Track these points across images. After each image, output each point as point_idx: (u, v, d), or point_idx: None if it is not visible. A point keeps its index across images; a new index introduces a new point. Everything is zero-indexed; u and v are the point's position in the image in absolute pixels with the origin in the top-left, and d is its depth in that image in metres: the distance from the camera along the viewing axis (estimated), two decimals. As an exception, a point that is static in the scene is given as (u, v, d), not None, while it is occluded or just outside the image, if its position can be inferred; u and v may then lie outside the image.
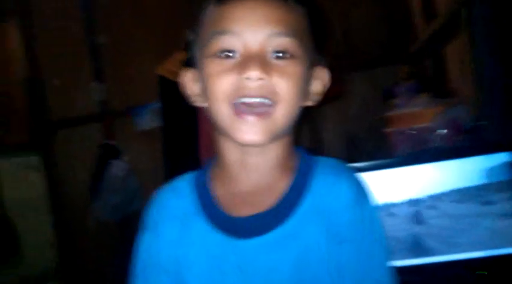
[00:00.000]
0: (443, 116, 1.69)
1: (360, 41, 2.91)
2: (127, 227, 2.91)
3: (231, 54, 0.84)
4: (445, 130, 1.66)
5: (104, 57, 3.21)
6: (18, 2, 3.26)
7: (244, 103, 0.83)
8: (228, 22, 0.85)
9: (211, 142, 0.95)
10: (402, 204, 1.31)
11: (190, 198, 0.94)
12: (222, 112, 0.85)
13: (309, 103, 0.93)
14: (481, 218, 1.28)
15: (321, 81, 0.94)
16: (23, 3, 3.25)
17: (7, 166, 3.27)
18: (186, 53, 2.23)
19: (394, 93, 2.18)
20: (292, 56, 0.85)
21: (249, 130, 0.83)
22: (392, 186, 1.32)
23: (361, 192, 0.88)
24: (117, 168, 2.96)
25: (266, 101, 0.83)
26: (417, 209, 1.31)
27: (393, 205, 1.31)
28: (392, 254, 1.28)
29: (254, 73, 0.81)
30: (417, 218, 1.30)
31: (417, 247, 1.30)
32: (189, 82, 0.94)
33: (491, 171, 1.29)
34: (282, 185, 0.89)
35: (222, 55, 0.85)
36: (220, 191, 0.92)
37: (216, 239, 0.88)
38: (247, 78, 0.82)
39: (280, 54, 0.84)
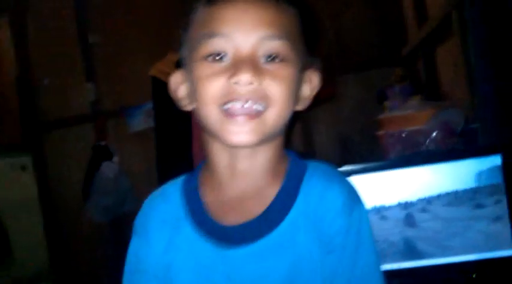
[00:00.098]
0: (436, 119, 1.69)
1: (352, 42, 2.92)
2: (119, 228, 2.91)
3: (221, 57, 0.82)
4: (437, 133, 1.66)
5: (97, 57, 3.21)
6: (10, 2, 3.24)
7: (234, 108, 0.81)
8: (218, 24, 0.83)
9: (202, 145, 0.94)
10: (394, 207, 1.31)
11: (180, 203, 0.92)
12: (211, 115, 0.83)
13: (300, 106, 0.91)
14: (473, 222, 1.28)
15: (311, 84, 0.92)
16: (14, 3, 3.24)
17: (-1, 166, 3.26)
18: (179, 53, 2.22)
19: (386, 95, 2.18)
20: (284, 60, 0.83)
21: (239, 131, 0.81)
22: (384, 188, 1.32)
23: (352, 198, 0.86)
24: (109, 169, 2.95)
25: (257, 106, 0.81)
26: (409, 212, 1.31)
27: (385, 208, 1.31)
28: (384, 258, 1.30)
29: (245, 78, 0.79)
30: (409, 222, 1.31)
31: (409, 250, 1.30)
32: (178, 85, 0.92)
33: (483, 174, 1.29)
34: (272, 191, 0.87)
35: (212, 58, 0.83)
36: (209, 197, 0.91)
37: (204, 247, 0.87)
38: (238, 83, 0.80)
39: (272, 58, 0.82)
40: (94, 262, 3.06)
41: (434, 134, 1.67)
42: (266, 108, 0.82)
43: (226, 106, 0.82)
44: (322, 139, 3.01)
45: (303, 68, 0.89)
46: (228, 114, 0.81)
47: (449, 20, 1.88)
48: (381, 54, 2.90)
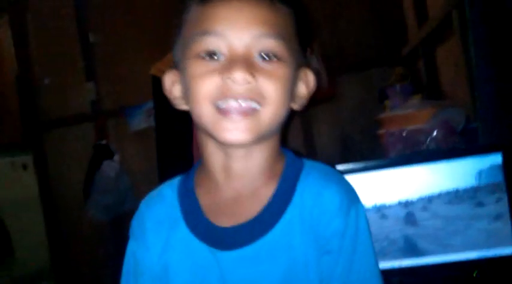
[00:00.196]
0: (436, 118, 1.69)
1: (352, 42, 2.91)
2: (119, 227, 2.91)
3: (215, 56, 0.82)
4: (438, 132, 1.66)
5: (97, 56, 3.20)
6: (10, 1, 3.24)
7: (229, 106, 0.80)
8: (212, 22, 0.82)
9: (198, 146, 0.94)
10: (395, 205, 1.31)
11: (176, 204, 0.92)
12: (205, 113, 0.82)
13: (296, 106, 0.91)
14: (474, 220, 1.28)
15: (307, 83, 0.92)
16: (15, 2, 3.24)
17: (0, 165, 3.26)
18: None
19: (387, 94, 2.18)
20: (278, 58, 0.82)
21: (234, 129, 0.80)
22: (385, 187, 1.32)
23: (349, 198, 0.85)
24: (110, 168, 2.95)
25: (252, 104, 0.80)
26: (410, 210, 1.30)
27: (386, 206, 1.31)
28: (385, 256, 1.30)
29: (240, 76, 0.78)
30: (410, 220, 1.30)
31: (410, 249, 1.30)
32: (172, 84, 0.91)
33: (483, 172, 1.29)
34: (267, 192, 0.87)
35: (206, 56, 0.82)
36: (205, 198, 0.90)
37: (199, 249, 0.86)
38: (232, 81, 0.79)
39: (267, 57, 0.82)
40: (95, 261, 3.06)
41: (435, 133, 1.66)
42: (261, 106, 0.81)
43: (220, 105, 0.81)
44: (323, 139, 3.01)
45: (298, 67, 0.88)
46: (223, 112, 0.81)
47: (450, 19, 1.87)
48: (381, 53, 2.90)
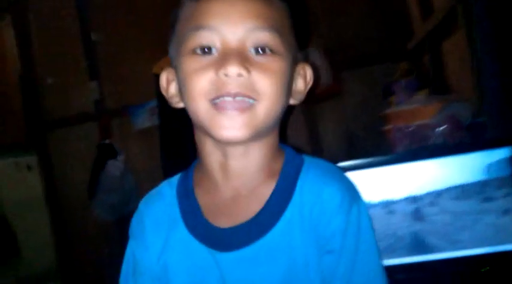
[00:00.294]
0: (443, 113, 1.68)
1: (354, 36, 2.90)
2: (124, 227, 2.90)
3: (208, 51, 0.81)
4: (445, 127, 1.65)
5: (100, 56, 3.20)
6: (13, 1, 3.24)
7: (224, 102, 0.79)
8: (205, 17, 0.81)
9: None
10: (402, 201, 1.30)
11: (175, 204, 0.91)
12: (201, 110, 0.81)
13: (293, 101, 0.89)
14: (482, 215, 1.27)
15: (304, 78, 0.90)
16: (18, 2, 3.23)
17: (4, 166, 3.25)
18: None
19: (392, 90, 2.17)
20: (273, 52, 0.81)
21: (230, 126, 0.79)
22: (392, 183, 1.31)
23: (350, 195, 0.83)
24: (115, 167, 2.94)
25: (247, 99, 0.79)
26: (417, 206, 1.29)
27: (393, 202, 1.30)
28: (393, 252, 1.29)
29: (233, 69, 0.77)
30: (418, 216, 1.29)
31: (418, 245, 1.29)
32: (168, 82, 0.90)
33: (491, 167, 1.28)
34: (266, 190, 0.85)
35: (200, 51, 0.81)
36: (203, 199, 0.89)
37: (199, 250, 0.85)
38: (226, 75, 0.78)
39: (261, 50, 0.80)
40: (100, 261, 3.06)
41: (441, 128, 1.65)
42: (257, 101, 0.80)
43: (216, 101, 0.79)
44: (328, 136, 3.00)
45: (294, 61, 0.87)
46: (218, 108, 0.79)
47: (455, 12, 1.86)
48: (384, 48, 2.88)
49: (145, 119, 3.01)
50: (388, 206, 1.30)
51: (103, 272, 2.96)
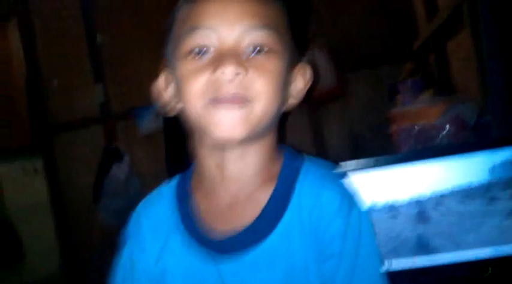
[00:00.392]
0: (448, 113, 1.67)
1: (359, 36, 2.88)
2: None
3: (205, 52, 0.80)
4: (450, 127, 1.63)
5: (104, 57, 3.21)
6: (18, 3, 3.25)
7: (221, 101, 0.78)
8: (201, 18, 0.81)
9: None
10: (406, 203, 1.28)
11: (173, 209, 0.90)
12: (197, 110, 0.80)
13: (292, 101, 0.89)
14: (488, 217, 1.25)
15: (304, 78, 0.90)
16: (23, 5, 3.25)
17: (9, 170, 3.26)
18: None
19: (398, 90, 2.16)
20: (270, 51, 0.80)
21: (228, 122, 0.78)
22: (396, 185, 1.29)
23: (350, 200, 0.83)
24: (119, 171, 2.94)
25: (243, 99, 0.78)
26: (422, 208, 1.28)
27: (397, 204, 1.29)
28: (397, 255, 1.27)
29: (229, 69, 0.76)
30: (422, 218, 1.28)
31: (422, 247, 1.28)
32: (163, 88, 0.90)
33: (496, 168, 1.26)
34: (264, 195, 0.84)
35: (196, 53, 0.80)
36: (201, 204, 0.88)
37: (196, 257, 0.84)
38: (222, 75, 0.77)
39: (257, 49, 0.80)
40: (105, 266, 3.06)
41: (447, 128, 1.64)
42: (253, 101, 0.79)
43: (212, 100, 0.79)
44: (333, 138, 2.99)
45: (292, 61, 0.86)
46: (215, 103, 0.79)
47: (460, 11, 1.85)
48: (389, 48, 2.86)
49: (151, 122, 3.00)
50: (392, 208, 1.29)
51: (108, 278, 2.96)
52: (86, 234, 3.14)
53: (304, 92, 0.90)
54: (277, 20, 0.84)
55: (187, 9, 0.84)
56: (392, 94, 2.26)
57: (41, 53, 3.23)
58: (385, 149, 1.99)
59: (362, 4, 2.91)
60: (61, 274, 3.18)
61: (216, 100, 0.78)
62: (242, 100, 0.78)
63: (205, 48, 0.80)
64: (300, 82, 0.89)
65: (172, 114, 0.90)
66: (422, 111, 1.80)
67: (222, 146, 0.83)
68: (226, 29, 0.79)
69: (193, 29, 0.81)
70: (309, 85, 0.91)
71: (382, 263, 0.84)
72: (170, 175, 2.68)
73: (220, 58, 0.78)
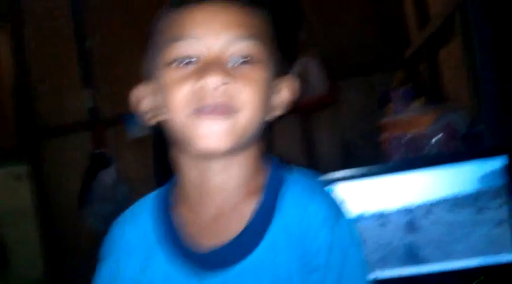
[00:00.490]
0: (439, 122, 1.67)
1: (351, 45, 2.89)
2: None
3: (189, 61, 0.78)
4: (441, 136, 1.63)
5: (94, 63, 3.20)
6: (7, 7, 3.24)
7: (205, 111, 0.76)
8: (185, 27, 0.79)
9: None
10: (396, 211, 1.28)
11: (152, 226, 0.86)
12: (181, 121, 0.78)
13: (277, 113, 0.87)
14: (476, 226, 1.25)
15: (288, 90, 0.88)
16: (12, 8, 3.23)
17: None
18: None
19: (389, 98, 2.16)
20: (255, 61, 0.79)
21: (212, 133, 0.76)
22: (386, 193, 1.29)
23: (336, 210, 0.81)
24: (108, 176, 2.93)
25: (228, 109, 0.76)
26: (411, 217, 1.27)
27: (387, 213, 1.28)
28: (387, 264, 1.26)
29: (214, 80, 0.75)
30: (411, 227, 1.27)
31: (412, 256, 1.27)
32: (141, 98, 0.87)
33: (485, 177, 1.26)
34: (249, 208, 0.81)
35: (180, 62, 0.78)
36: (183, 219, 0.85)
37: (180, 274, 0.81)
38: (207, 86, 0.75)
39: (242, 59, 0.78)
40: (92, 273, 3.03)
41: (437, 137, 1.64)
42: (238, 111, 0.77)
43: (196, 111, 0.77)
44: (324, 145, 2.99)
45: (277, 72, 0.85)
46: (199, 113, 0.76)
47: (452, 21, 1.85)
48: (381, 57, 2.88)
49: (140, 127, 2.99)
50: (381, 217, 1.28)
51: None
52: (72, 241, 3.12)
53: (289, 104, 0.89)
54: (263, 30, 0.83)
55: (171, 18, 0.82)
56: (383, 103, 2.25)
57: (30, 57, 3.22)
58: (376, 157, 1.99)
59: (354, 13, 2.92)
60: (46, 281, 3.15)
61: (200, 111, 0.76)
62: (227, 110, 0.76)
63: (190, 58, 0.78)
64: (285, 94, 0.87)
65: (151, 124, 0.87)
66: (413, 119, 1.80)
67: (206, 157, 0.81)
68: (211, 39, 0.78)
69: (177, 38, 0.79)
70: (294, 97, 0.89)
71: (369, 273, 0.82)
72: (158, 180, 2.68)
73: (205, 67, 0.76)
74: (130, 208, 0.93)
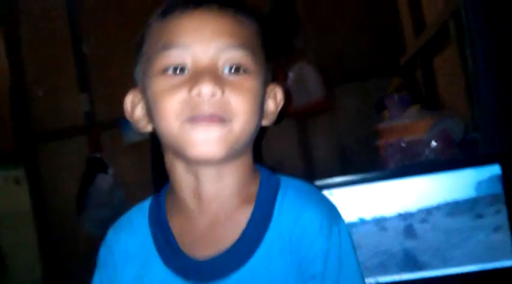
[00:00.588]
0: (435, 128, 1.68)
1: (348, 51, 2.90)
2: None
3: (179, 70, 0.77)
4: (437, 143, 1.64)
5: (91, 67, 3.19)
6: (2, 10, 3.23)
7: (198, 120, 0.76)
8: (175, 35, 0.78)
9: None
10: (394, 217, 1.29)
11: (147, 234, 0.86)
12: (172, 130, 0.77)
13: (266, 122, 0.87)
14: (473, 232, 1.26)
15: (276, 98, 0.88)
16: (8, 11, 3.22)
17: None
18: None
19: (385, 104, 2.17)
20: (246, 71, 0.79)
21: (205, 140, 0.75)
22: (384, 199, 1.30)
23: (330, 218, 0.80)
24: (104, 181, 2.92)
25: (221, 118, 0.76)
26: (409, 223, 1.28)
27: (385, 219, 1.29)
28: (384, 270, 1.28)
29: (206, 89, 0.74)
30: (409, 233, 1.28)
31: (410, 262, 1.28)
32: (133, 105, 0.86)
33: (482, 183, 1.27)
34: (243, 216, 0.81)
35: (170, 71, 0.78)
36: (177, 227, 0.84)
37: (176, 282, 0.80)
38: (199, 95, 0.74)
39: (234, 69, 0.78)
40: (89, 278, 3.02)
41: (433, 144, 1.65)
42: (230, 120, 0.77)
43: (189, 120, 0.76)
44: (320, 150, 2.99)
45: (265, 81, 0.85)
46: (192, 121, 0.76)
47: (447, 28, 1.87)
48: (377, 63, 2.89)
49: (136, 132, 2.98)
50: (380, 222, 1.29)
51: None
52: (70, 245, 3.10)
53: (276, 113, 0.89)
54: (252, 39, 0.83)
55: (160, 25, 0.82)
56: (379, 109, 2.27)
57: (26, 61, 3.21)
58: (373, 162, 2.00)
59: (350, 20, 2.93)
60: (44, 284, 3.14)
61: (193, 119, 0.76)
62: (220, 119, 0.76)
63: (180, 67, 0.78)
64: (272, 104, 0.88)
65: (144, 131, 0.87)
66: (409, 125, 1.81)
67: (200, 165, 0.80)
68: (201, 48, 0.77)
69: (167, 47, 0.78)
70: (280, 106, 0.89)
71: (364, 279, 0.83)
72: (156, 185, 2.67)
73: (197, 76, 0.76)
74: (126, 214, 0.92)
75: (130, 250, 0.86)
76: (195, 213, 0.84)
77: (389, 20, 2.86)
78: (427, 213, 1.28)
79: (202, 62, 0.77)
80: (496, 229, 1.26)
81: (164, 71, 0.78)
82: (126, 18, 3.01)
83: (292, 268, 0.78)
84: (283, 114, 0.93)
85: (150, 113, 0.82)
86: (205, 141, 0.76)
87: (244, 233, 0.80)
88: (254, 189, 0.84)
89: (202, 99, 0.75)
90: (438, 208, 1.27)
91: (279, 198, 0.82)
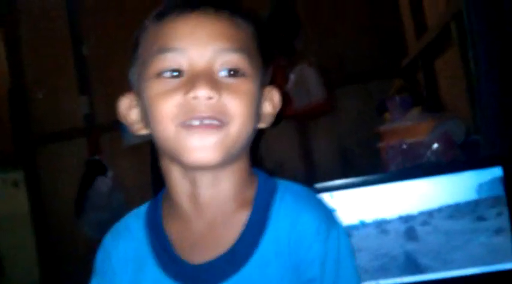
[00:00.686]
0: (436, 130, 1.67)
1: (349, 54, 2.90)
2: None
3: (175, 73, 0.77)
4: (438, 145, 1.64)
5: (91, 70, 3.19)
6: (2, 10, 3.23)
7: (194, 124, 0.75)
8: (171, 39, 0.77)
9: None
10: (395, 220, 1.28)
11: (143, 239, 0.85)
12: (168, 134, 0.76)
13: (263, 124, 0.86)
14: (475, 234, 1.26)
15: (273, 101, 0.88)
16: (8, 11, 3.23)
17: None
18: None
19: (387, 106, 2.16)
20: (242, 74, 0.78)
21: (201, 146, 0.75)
22: (385, 201, 1.29)
23: (327, 221, 0.80)
24: (103, 183, 2.91)
25: (216, 122, 0.75)
26: (410, 225, 1.28)
27: (386, 221, 1.28)
28: (385, 272, 1.27)
29: (203, 93, 0.73)
30: (410, 235, 1.28)
31: (411, 265, 1.27)
32: (128, 109, 0.85)
33: (484, 186, 1.27)
34: (240, 221, 0.81)
35: (166, 74, 0.77)
36: (174, 232, 0.84)
37: None
38: (195, 98, 0.74)
39: (230, 72, 0.77)
40: (86, 281, 3.02)
41: (435, 146, 1.64)
42: (227, 124, 0.76)
43: (185, 124, 0.76)
44: (321, 152, 2.99)
45: (262, 84, 0.84)
46: (188, 127, 0.75)
47: (449, 30, 1.86)
48: (379, 65, 2.89)
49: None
50: (381, 225, 1.28)
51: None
52: (69, 248, 3.10)
53: (273, 116, 0.88)
54: (248, 43, 0.82)
55: (155, 29, 0.81)
56: (381, 111, 2.26)
57: (26, 63, 3.21)
58: (374, 164, 1.99)
59: (352, 22, 2.93)
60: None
61: (189, 124, 0.75)
62: (216, 125, 0.76)
63: (176, 70, 0.77)
64: (269, 106, 0.87)
65: (140, 134, 0.86)
66: (411, 127, 1.80)
67: (196, 169, 0.80)
68: (197, 51, 0.77)
69: (162, 50, 0.78)
70: (277, 108, 0.89)
71: (361, 282, 0.82)
72: (155, 187, 2.66)
73: (193, 80, 0.75)
74: (123, 219, 0.91)
75: (127, 255, 0.86)
76: (191, 218, 0.83)
77: (391, 22, 2.86)
78: (428, 216, 1.27)
79: (198, 65, 0.76)
80: (498, 231, 1.25)
81: (160, 74, 0.78)
82: (126, 18, 3.01)
83: (289, 272, 0.78)
84: (281, 116, 0.92)
85: (146, 117, 0.81)
86: (201, 147, 0.75)
87: (241, 237, 0.80)
88: (251, 192, 0.84)
89: (198, 102, 0.74)
90: (439, 210, 1.27)
91: (276, 202, 0.82)
